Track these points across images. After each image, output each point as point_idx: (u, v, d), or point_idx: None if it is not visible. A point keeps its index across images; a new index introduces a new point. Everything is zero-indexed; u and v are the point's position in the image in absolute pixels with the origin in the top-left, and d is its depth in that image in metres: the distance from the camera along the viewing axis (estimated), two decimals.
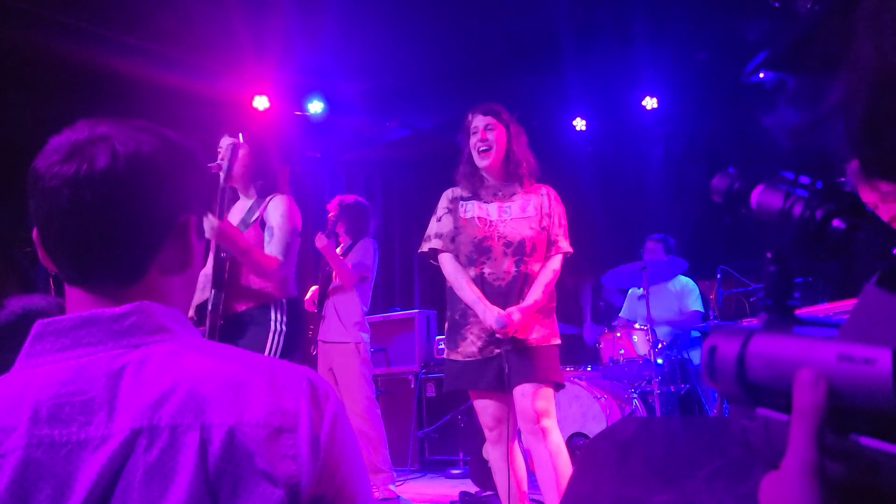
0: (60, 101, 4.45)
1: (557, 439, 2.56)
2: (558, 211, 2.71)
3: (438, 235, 2.71)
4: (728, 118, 5.30)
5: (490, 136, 2.65)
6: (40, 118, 4.50)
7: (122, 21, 4.25)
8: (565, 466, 2.53)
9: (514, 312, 2.52)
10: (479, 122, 2.68)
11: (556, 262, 2.66)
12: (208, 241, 2.63)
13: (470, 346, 2.58)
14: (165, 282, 0.79)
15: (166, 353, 0.72)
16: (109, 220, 0.74)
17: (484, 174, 2.71)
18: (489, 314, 2.53)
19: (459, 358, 2.61)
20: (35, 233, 0.77)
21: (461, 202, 2.72)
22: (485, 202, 2.68)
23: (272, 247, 2.72)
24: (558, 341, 2.67)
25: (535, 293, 2.57)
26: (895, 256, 0.43)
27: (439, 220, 2.74)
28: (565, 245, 2.69)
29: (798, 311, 0.48)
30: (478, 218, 2.66)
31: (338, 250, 4.11)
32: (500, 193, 2.69)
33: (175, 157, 0.79)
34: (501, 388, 2.55)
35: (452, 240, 2.68)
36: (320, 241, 3.80)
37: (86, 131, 0.75)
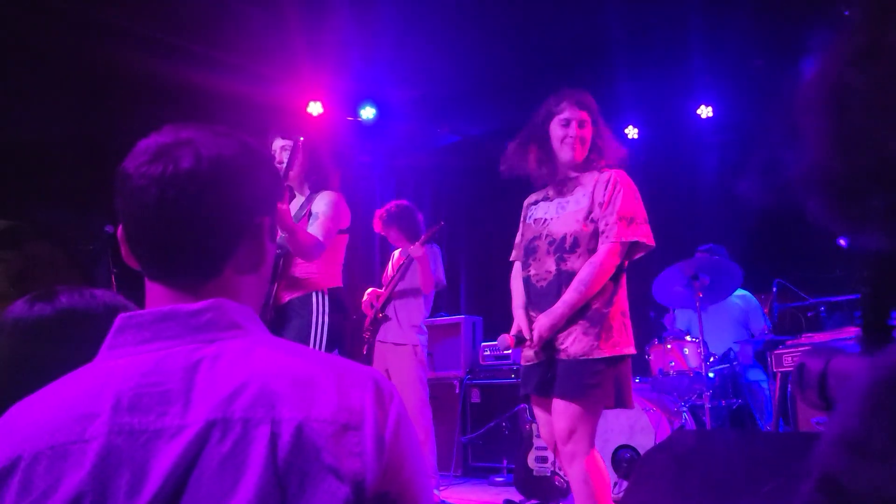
0: (122, 107, 4.61)
1: (588, 468, 2.24)
2: (617, 196, 2.38)
3: (516, 246, 2.64)
4: (786, 127, 5.16)
5: (584, 132, 2.47)
6: (100, 123, 4.68)
7: (185, 30, 4.39)
8: (598, 499, 2.21)
9: (540, 318, 2.36)
10: (572, 114, 2.47)
11: (599, 256, 2.33)
12: None
13: (528, 349, 2.46)
14: (239, 281, 0.82)
15: (240, 348, 0.74)
16: (192, 219, 0.77)
17: (561, 166, 2.51)
18: (514, 326, 2.49)
19: (523, 361, 2.53)
20: (120, 231, 0.81)
21: (529, 208, 2.62)
22: (549, 200, 2.53)
23: (312, 228, 2.78)
24: (609, 353, 2.29)
25: (567, 294, 2.32)
26: None
27: (520, 229, 2.65)
28: (617, 233, 2.33)
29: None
30: (534, 220, 2.54)
31: (396, 254, 4.19)
32: (565, 189, 2.50)
33: (253, 161, 0.82)
34: (546, 395, 2.39)
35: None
36: (417, 250, 3.82)
37: (171, 135, 0.79)
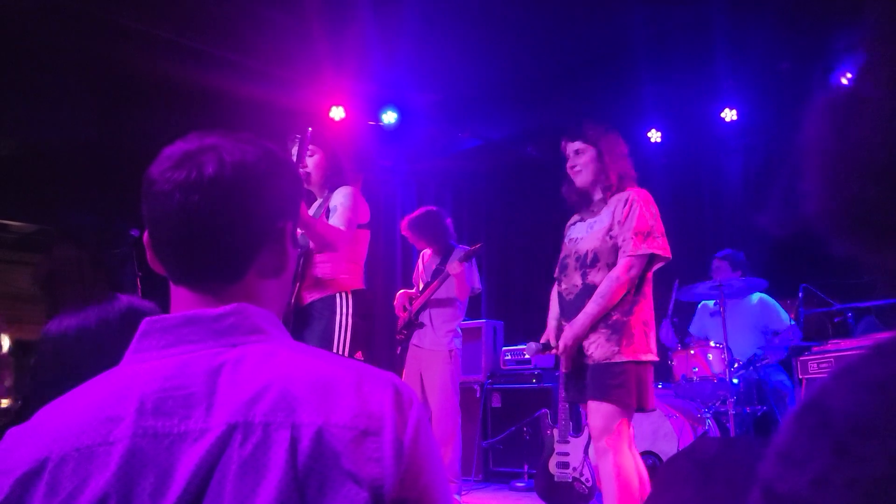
0: (148, 112, 4.67)
1: (615, 463, 2.44)
2: (633, 212, 2.57)
3: (557, 263, 2.86)
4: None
5: (579, 160, 2.71)
6: (125, 128, 4.75)
7: (210, 36, 4.44)
8: (620, 493, 2.42)
9: (566, 329, 2.61)
10: (569, 147, 2.75)
11: (616, 270, 2.53)
12: None
13: (562, 358, 2.70)
14: (262, 285, 0.83)
15: (261, 352, 0.75)
16: (215, 223, 0.78)
17: (586, 192, 2.77)
18: (543, 335, 2.79)
19: (562, 370, 2.75)
20: (146, 235, 0.82)
21: (569, 228, 2.85)
22: (582, 221, 2.77)
23: (333, 220, 2.78)
24: (629, 358, 2.49)
25: (588, 306, 2.55)
26: None
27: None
28: (632, 248, 2.52)
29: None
30: (570, 239, 2.78)
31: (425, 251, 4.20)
32: (594, 209, 2.73)
33: (275, 167, 0.83)
34: (580, 400, 2.65)
35: None
36: (455, 268, 3.84)
37: (196, 142, 0.80)
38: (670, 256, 2.59)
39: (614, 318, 2.53)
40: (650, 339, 2.57)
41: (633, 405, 2.49)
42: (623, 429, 2.48)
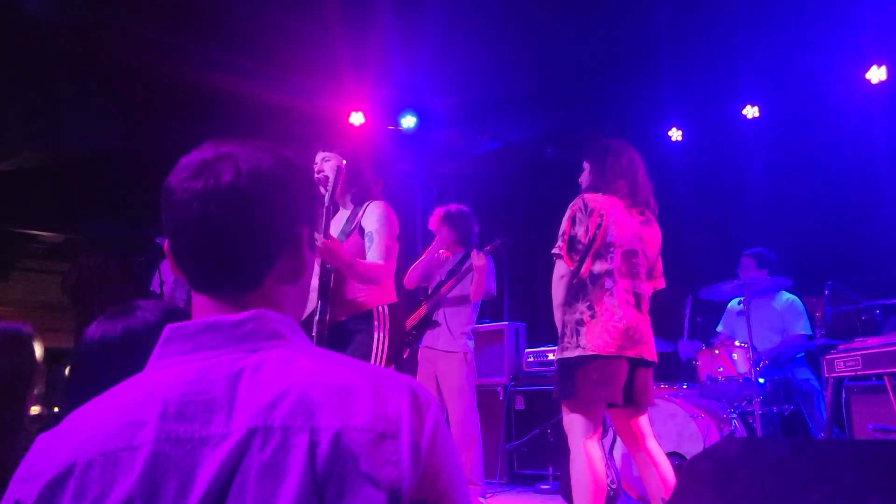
0: (172, 120, 4.74)
1: (571, 457, 2.61)
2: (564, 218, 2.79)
3: None
4: (837, 127, 5.01)
5: (581, 178, 2.98)
6: (150, 136, 4.82)
7: (232, 44, 4.50)
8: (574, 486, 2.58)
9: None
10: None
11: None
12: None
13: None
14: (280, 291, 0.84)
15: (280, 358, 0.76)
16: (233, 232, 0.79)
17: None
18: None
19: None
20: (167, 244, 0.84)
21: None
22: None
23: (373, 252, 2.74)
24: (558, 356, 2.69)
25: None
26: None
27: None
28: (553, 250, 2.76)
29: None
30: None
31: (432, 250, 4.20)
32: None
33: (291, 174, 0.84)
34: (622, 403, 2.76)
35: None
36: (479, 259, 3.86)
37: (212, 150, 0.82)
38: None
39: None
40: (581, 336, 2.63)
41: (562, 398, 2.62)
42: (573, 424, 2.60)
